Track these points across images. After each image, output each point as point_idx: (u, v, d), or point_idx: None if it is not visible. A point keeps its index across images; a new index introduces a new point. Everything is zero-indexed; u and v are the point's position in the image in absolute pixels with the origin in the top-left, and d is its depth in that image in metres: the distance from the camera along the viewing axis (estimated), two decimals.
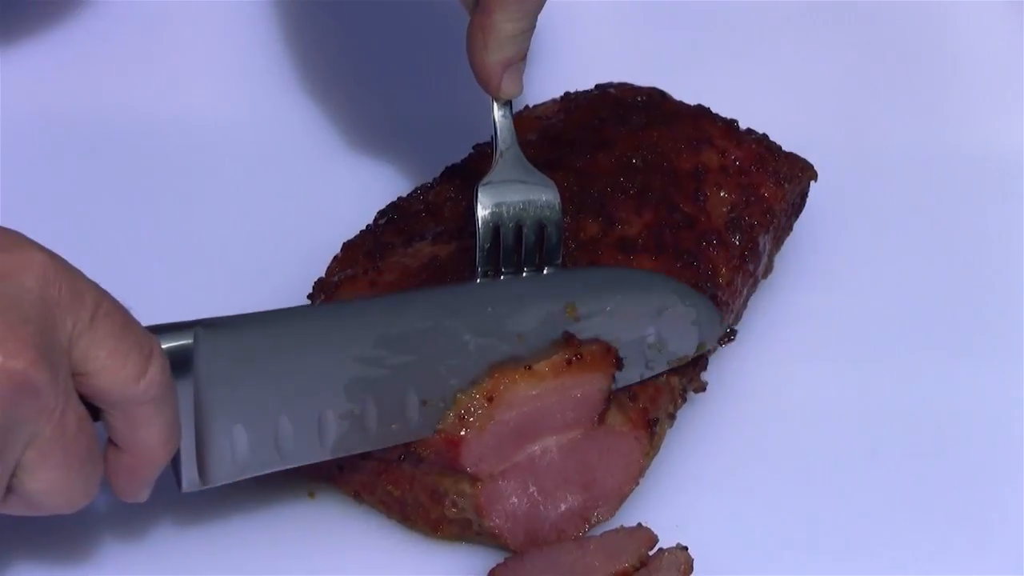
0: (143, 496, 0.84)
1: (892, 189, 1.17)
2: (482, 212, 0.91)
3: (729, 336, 1.00)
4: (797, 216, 1.08)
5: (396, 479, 0.91)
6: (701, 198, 1.00)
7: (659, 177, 1.00)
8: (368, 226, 1.00)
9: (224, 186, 1.13)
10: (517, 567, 0.89)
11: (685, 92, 1.08)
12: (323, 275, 0.97)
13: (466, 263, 0.92)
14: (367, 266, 0.95)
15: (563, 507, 0.92)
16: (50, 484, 0.78)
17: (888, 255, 1.12)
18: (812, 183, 1.07)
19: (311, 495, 0.93)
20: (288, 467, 0.88)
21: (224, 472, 0.86)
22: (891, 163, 1.19)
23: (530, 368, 0.89)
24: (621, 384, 0.93)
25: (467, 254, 0.92)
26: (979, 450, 1.00)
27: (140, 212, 1.10)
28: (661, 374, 0.95)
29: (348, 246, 0.98)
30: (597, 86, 1.09)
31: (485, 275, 0.91)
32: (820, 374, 1.03)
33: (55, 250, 0.77)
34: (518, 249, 0.91)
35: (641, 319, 0.94)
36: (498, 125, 0.93)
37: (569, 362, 0.89)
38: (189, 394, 0.83)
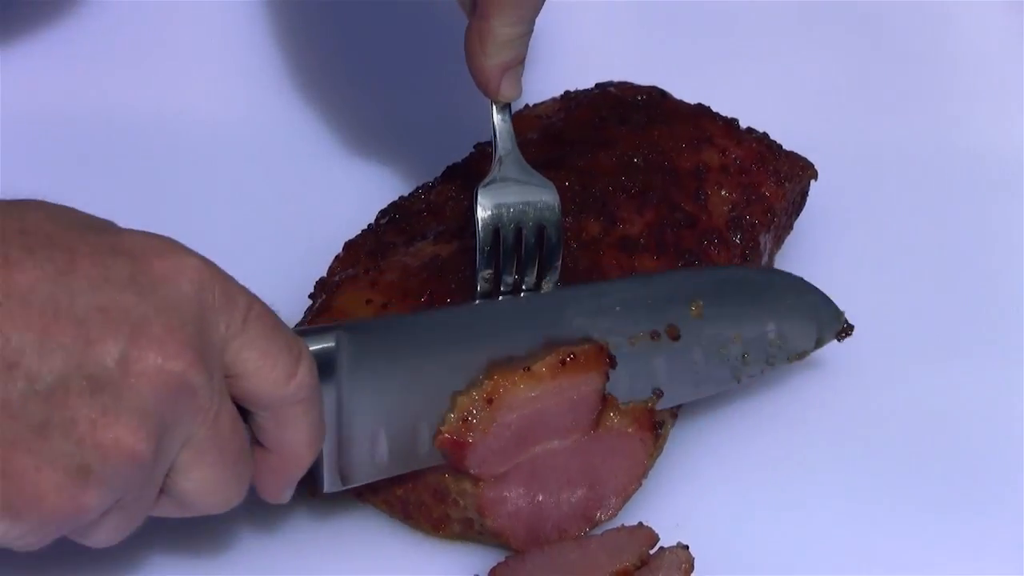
0: (286, 497, 0.85)
1: (892, 188, 1.17)
2: (482, 214, 0.91)
3: (847, 331, 1.00)
4: (798, 215, 1.08)
5: (399, 478, 0.91)
6: (702, 197, 1.00)
7: (660, 176, 1.00)
8: (370, 225, 1.00)
9: (226, 186, 1.13)
10: (519, 566, 0.90)
11: (685, 91, 1.08)
12: (325, 274, 0.97)
13: (467, 262, 0.92)
14: (368, 265, 0.95)
15: (566, 507, 0.92)
16: (204, 484, 0.78)
17: (888, 254, 1.12)
18: (813, 182, 1.07)
19: (312, 494, 0.93)
20: (425, 467, 0.89)
21: (364, 473, 0.87)
22: (891, 162, 1.20)
23: (528, 369, 0.88)
24: (744, 381, 0.95)
25: (468, 254, 0.92)
26: (979, 450, 1.00)
27: (139, 212, 1.08)
28: None
29: (350, 245, 0.98)
30: (597, 85, 1.09)
31: (485, 278, 0.91)
32: (820, 373, 1.03)
33: None
34: (518, 250, 0.91)
35: (762, 315, 0.95)
36: (497, 128, 0.93)
37: (563, 362, 0.89)
38: (331, 397, 0.84)
